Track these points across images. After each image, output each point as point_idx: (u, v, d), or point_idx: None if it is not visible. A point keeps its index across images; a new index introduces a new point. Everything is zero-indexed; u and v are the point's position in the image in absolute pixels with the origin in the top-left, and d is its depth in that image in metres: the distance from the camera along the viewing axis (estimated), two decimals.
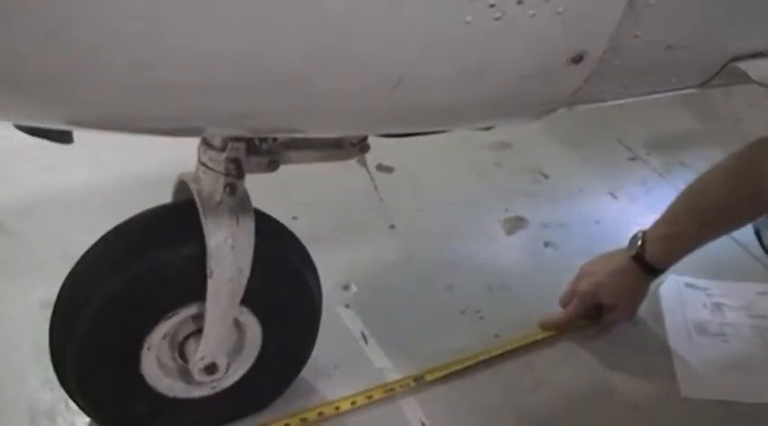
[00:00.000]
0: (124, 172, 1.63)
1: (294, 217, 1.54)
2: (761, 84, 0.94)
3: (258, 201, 1.10)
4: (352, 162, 1.74)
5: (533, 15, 0.76)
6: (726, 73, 0.96)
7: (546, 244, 1.63)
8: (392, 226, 1.62)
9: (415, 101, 0.81)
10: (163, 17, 0.66)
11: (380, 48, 0.73)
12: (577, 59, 0.82)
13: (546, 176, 1.83)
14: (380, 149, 1.68)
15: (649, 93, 0.98)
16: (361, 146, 1.12)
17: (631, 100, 0.98)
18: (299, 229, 1.18)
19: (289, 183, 1.60)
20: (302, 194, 1.64)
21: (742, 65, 0.94)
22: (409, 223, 1.63)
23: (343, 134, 1.03)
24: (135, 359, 1.09)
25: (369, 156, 1.74)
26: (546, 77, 0.83)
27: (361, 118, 0.84)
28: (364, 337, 1.38)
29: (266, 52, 0.71)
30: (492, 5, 0.74)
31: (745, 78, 0.95)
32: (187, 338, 1.12)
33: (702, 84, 0.99)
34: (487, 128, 0.99)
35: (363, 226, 1.62)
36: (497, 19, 0.75)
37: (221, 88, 0.74)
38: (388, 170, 1.77)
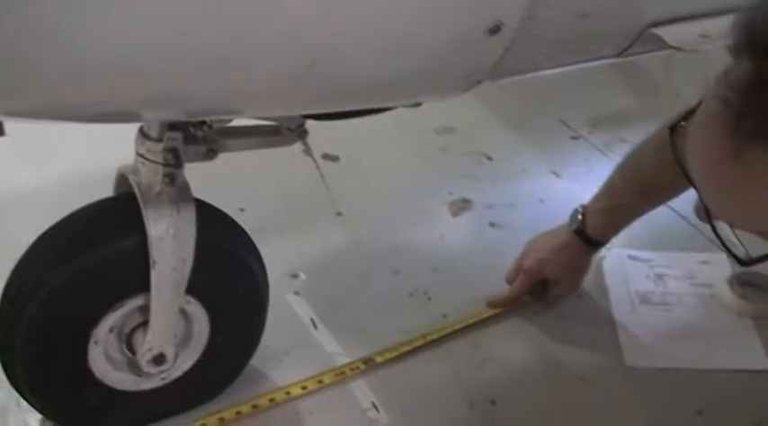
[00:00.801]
0: (69, 170, 1.63)
1: (241, 209, 1.54)
2: (677, 49, 0.96)
3: (205, 193, 1.10)
4: (298, 152, 1.73)
5: None
6: (643, 39, 0.97)
7: (491, 225, 1.65)
8: (339, 214, 1.63)
9: (337, 77, 0.82)
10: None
11: (295, 25, 0.75)
12: (494, 30, 0.83)
13: (490, 158, 1.85)
14: (326, 138, 1.70)
15: (571, 63, 1.00)
16: (299, 131, 1.13)
17: (555, 70, 1.00)
18: (247, 220, 1.18)
19: (235, 175, 1.60)
20: (249, 185, 1.65)
21: (658, 31, 0.96)
22: (356, 209, 1.64)
23: (272, 114, 1.04)
24: (82, 353, 1.09)
25: (314, 146, 1.75)
26: (465, 49, 0.84)
27: (285, 97, 0.85)
28: (314, 323, 1.39)
29: (181, 34, 0.71)
30: None
31: (662, 44, 0.97)
32: (134, 330, 1.12)
33: (622, 52, 1.01)
34: (417, 105, 1.00)
35: (311, 215, 1.63)
36: None
37: (142, 70, 0.74)
38: (334, 158, 1.78)
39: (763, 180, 0.74)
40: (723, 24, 0.97)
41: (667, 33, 0.96)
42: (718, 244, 0.88)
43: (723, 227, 0.86)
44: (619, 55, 1.01)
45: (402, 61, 0.83)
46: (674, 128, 0.83)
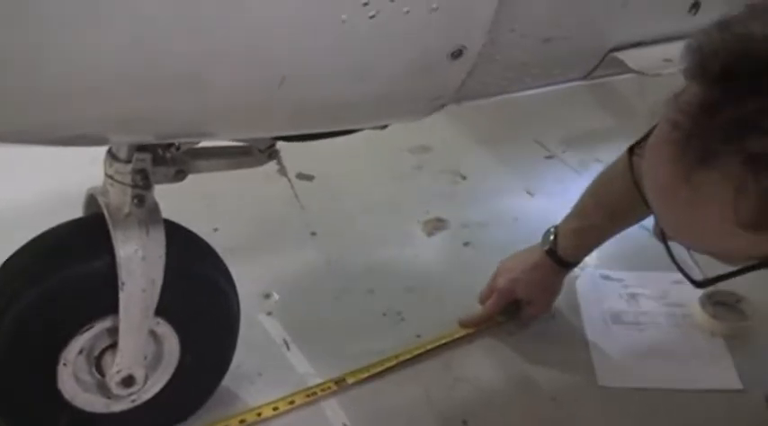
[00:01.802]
0: (40, 190, 1.62)
1: (215, 229, 1.54)
2: (640, 73, 0.97)
3: (179, 214, 1.11)
4: (273, 171, 1.74)
5: (408, 12, 0.78)
6: (607, 63, 0.98)
7: (465, 244, 1.65)
8: (313, 233, 1.63)
9: (303, 100, 0.82)
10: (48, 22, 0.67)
11: (260, 48, 0.75)
12: (457, 54, 0.84)
13: (464, 177, 1.85)
14: (301, 157, 1.71)
15: (536, 86, 1.01)
16: (269, 152, 1.13)
17: (521, 93, 1.00)
18: (221, 240, 1.18)
19: (210, 195, 1.61)
20: (223, 205, 1.65)
21: (620, 55, 0.97)
22: (330, 229, 1.65)
23: (242, 136, 1.04)
24: (51, 375, 1.09)
25: (289, 165, 1.75)
26: (428, 73, 0.85)
27: (253, 118, 0.85)
28: (286, 343, 1.39)
29: (149, 56, 0.72)
30: (365, 4, 0.76)
31: (625, 68, 0.98)
32: (103, 352, 1.12)
33: (586, 76, 1.02)
34: (383, 127, 1.00)
35: (285, 235, 1.63)
36: (372, 17, 0.77)
37: (108, 93, 0.74)
38: (309, 178, 1.78)
39: (712, 202, 0.75)
40: None
41: (629, 57, 0.97)
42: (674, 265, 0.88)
43: (680, 249, 0.87)
44: (584, 78, 1.02)
45: (366, 85, 0.83)
46: (632, 150, 0.84)
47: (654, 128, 0.79)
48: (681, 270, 0.89)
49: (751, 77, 0.72)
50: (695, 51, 0.75)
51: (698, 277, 0.89)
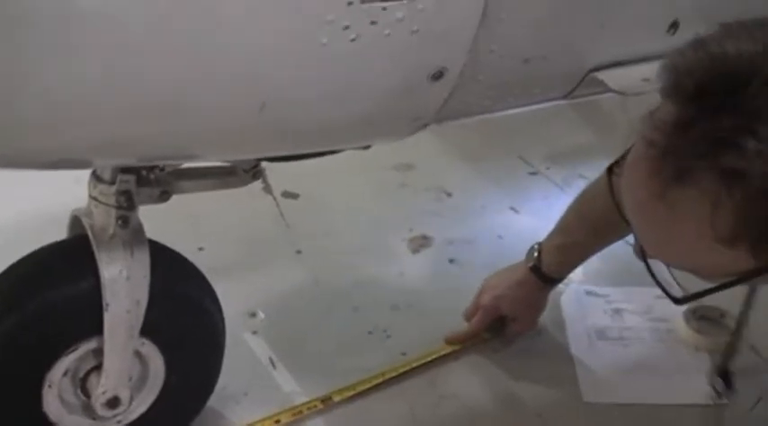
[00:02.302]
0: (25, 210, 1.62)
1: (201, 248, 1.54)
2: (618, 92, 0.98)
3: (164, 234, 1.11)
4: (258, 189, 1.76)
5: (388, 35, 0.79)
6: (587, 83, 0.99)
7: (450, 261, 1.66)
8: (299, 251, 1.64)
9: (284, 123, 0.83)
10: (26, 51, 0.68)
11: (241, 73, 0.76)
12: (438, 76, 0.85)
13: (449, 194, 1.86)
14: (286, 176, 1.72)
15: (518, 105, 1.02)
16: (254, 172, 1.13)
17: (503, 112, 1.01)
18: (206, 259, 1.19)
19: (195, 214, 1.61)
20: (209, 224, 1.65)
21: (600, 75, 0.98)
22: (315, 247, 1.65)
23: (225, 159, 1.05)
24: (37, 396, 1.09)
25: (274, 183, 1.77)
26: (409, 95, 0.85)
27: (235, 141, 0.86)
28: (272, 362, 1.39)
29: (131, 81, 0.72)
30: (346, 27, 0.77)
31: (604, 87, 0.99)
32: (88, 373, 1.11)
33: (567, 95, 1.03)
34: (366, 147, 1.01)
35: (270, 253, 1.63)
36: (353, 40, 0.78)
37: (91, 119, 0.75)
38: (294, 196, 1.78)
39: (689, 218, 0.76)
40: None
41: (609, 77, 0.98)
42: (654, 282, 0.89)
43: (661, 267, 0.88)
44: (564, 97, 1.03)
45: (347, 107, 0.84)
46: (611, 168, 0.85)
47: (632, 147, 0.80)
48: (661, 287, 0.90)
49: (725, 95, 0.72)
50: (670, 70, 0.76)
51: (678, 294, 0.90)
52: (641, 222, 0.81)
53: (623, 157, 0.82)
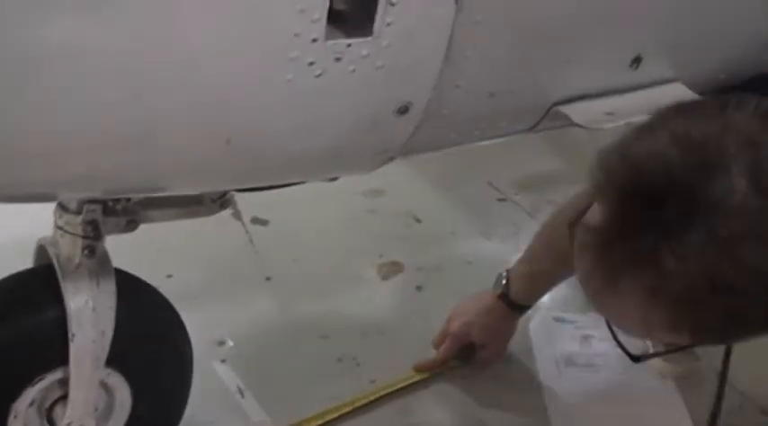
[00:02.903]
0: None
1: (169, 275, 1.54)
2: (582, 126, 1.00)
3: (132, 261, 1.10)
4: (227, 216, 1.75)
5: (353, 71, 0.80)
6: (551, 116, 1.01)
7: (418, 288, 1.66)
8: (268, 278, 1.63)
9: (251, 156, 0.83)
10: None
11: (207, 108, 0.76)
12: (403, 110, 0.86)
13: (419, 220, 1.86)
14: (255, 202, 1.71)
15: (483, 138, 1.03)
16: (221, 201, 1.13)
17: (469, 144, 1.02)
18: (174, 286, 1.18)
19: (163, 241, 1.59)
20: (177, 251, 1.64)
21: (564, 109, 1.00)
22: (285, 274, 1.64)
23: (191, 192, 1.05)
24: None
25: (243, 209, 1.77)
26: (375, 129, 0.86)
27: (202, 175, 0.86)
28: (241, 391, 1.38)
29: (97, 119, 0.72)
30: (311, 63, 0.77)
31: (568, 121, 1.00)
32: (54, 403, 1.10)
33: (532, 128, 1.04)
34: (333, 179, 1.02)
35: (239, 280, 1.62)
36: (318, 76, 0.78)
37: (56, 154, 0.75)
38: (264, 222, 1.78)
39: (630, 311, 0.79)
40: (629, 102, 1.02)
41: (573, 111, 0.99)
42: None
43: None
44: (529, 130, 1.04)
45: (312, 141, 0.84)
46: (571, 225, 0.86)
47: (588, 205, 0.82)
48: (619, 345, 0.93)
49: (644, 210, 0.75)
50: (597, 173, 0.80)
51: (635, 351, 0.94)
52: (591, 300, 0.84)
53: (580, 216, 0.84)
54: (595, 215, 0.80)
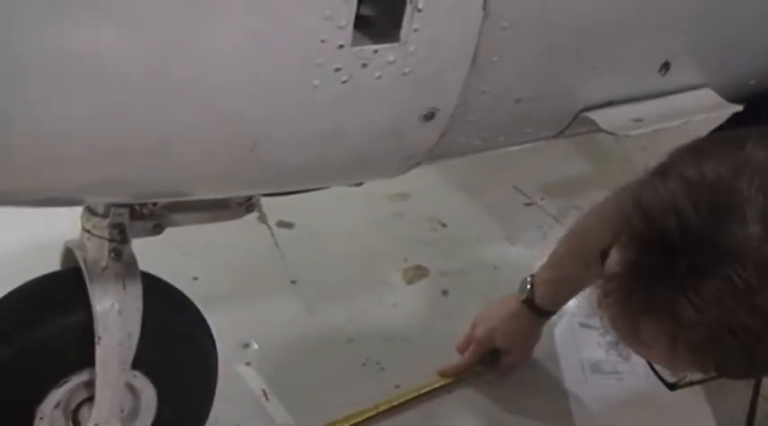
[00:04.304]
0: (20, 241, 1.62)
1: (195, 278, 1.54)
2: (610, 133, 0.99)
3: (159, 262, 1.11)
4: (253, 219, 1.76)
5: (380, 77, 0.80)
6: (578, 123, 1.00)
7: (444, 293, 1.66)
8: (293, 282, 1.63)
9: (276, 162, 0.83)
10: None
11: (233, 114, 0.76)
12: (429, 116, 0.85)
13: (444, 225, 1.86)
14: (281, 205, 1.72)
15: (509, 145, 1.02)
16: (247, 205, 1.13)
17: (495, 151, 1.02)
18: (200, 289, 1.19)
19: (190, 244, 1.61)
20: (203, 254, 1.64)
21: (592, 115, 0.99)
22: (310, 277, 1.64)
23: (217, 196, 1.05)
24: None
25: (269, 213, 1.77)
26: (401, 135, 0.86)
27: (228, 179, 0.86)
28: (265, 394, 1.39)
29: (124, 122, 0.73)
30: (338, 69, 0.77)
31: (596, 127, 0.99)
32: (80, 405, 1.11)
33: (558, 134, 1.03)
34: (358, 184, 1.02)
35: (265, 283, 1.63)
36: (344, 82, 0.78)
37: (85, 160, 0.75)
38: (289, 225, 1.78)
39: (657, 351, 0.81)
40: (658, 108, 1.01)
41: (601, 117, 0.99)
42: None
43: None
44: (556, 136, 1.04)
45: (338, 147, 0.84)
46: (603, 252, 0.86)
47: (619, 233, 0.82)
48: (655, 372, 0.93)
49: (660, 262, 0.76)
50: (616, 217, 0.82)
51: (671, 379, 0.93)
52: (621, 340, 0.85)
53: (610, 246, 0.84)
54: (615, 261, 0.81)
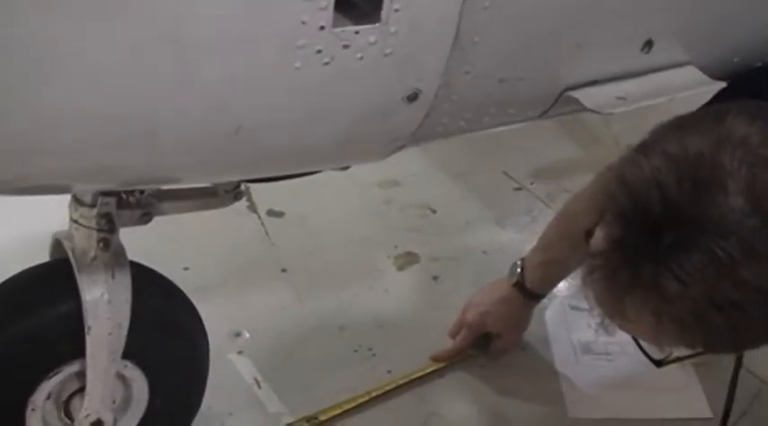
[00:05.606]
0: (7, 232, 1.61)
1: (186, 268, 1.54)
2: (593, 111, 0.99)
3: (149, 254, 1.11)
4: (243, 208, 1.76)
5: (361, 58, 0.80)
6: (562, 102, 1.00)
7: (434, 278, 1.66)
8: (284, 270, 1.63)
9: (260, 146, 0.83)
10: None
11: (215, 98, 0.76)
12: (412, 98, 0.85)
13: (434, 211, 1.86)
14: (270, 194, 1.72)
15: (493, 126, 1.02)
16: (235, 192, 1.13)
17: (481, 131, 1.02)
18: (191, 279, 1.19)
19: (180, 234, 1.60)
20: (193, 244, 1.65)
21: (575, 94, 0.99)
22: (301, 265, 1.65)
23: (203, 182, 1.05)
24: (19, 420, 1.08)
25: (259, 202, 1.77)
26: (385, 117, 0.86)
27: (213, 165, 0.86)
28: (258, 383, 1.39)
29: (108, 108, 0.73)
30: (319, 51, 0.77)
31: (580, 106, 0.99)
32: (72, 396, 1.11)
33: (543, 114, 1.03)
34: (344, 168, 1.02)
35: (255, 272, 1.63)
36: (326, 64, 0.78)
37: (70, 146, 0.75)
38: (279, 214, 1.78)
39: (643, 326, 0.80)
40: (641, 86, 1.01)
41: (584, 96, 0.99)
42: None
43: None
44: (540, 116, 1.04)
45: (322, 130, 0.84)
46: (588, 233, 0.86)
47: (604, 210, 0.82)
48: (641, 349, 0.93)
49: (645, 226, 0.76)
50: (600, 195, 0.82)
51: (657, 356, 0.93)
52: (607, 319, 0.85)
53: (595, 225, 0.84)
54: (600, 239, 0.81)
